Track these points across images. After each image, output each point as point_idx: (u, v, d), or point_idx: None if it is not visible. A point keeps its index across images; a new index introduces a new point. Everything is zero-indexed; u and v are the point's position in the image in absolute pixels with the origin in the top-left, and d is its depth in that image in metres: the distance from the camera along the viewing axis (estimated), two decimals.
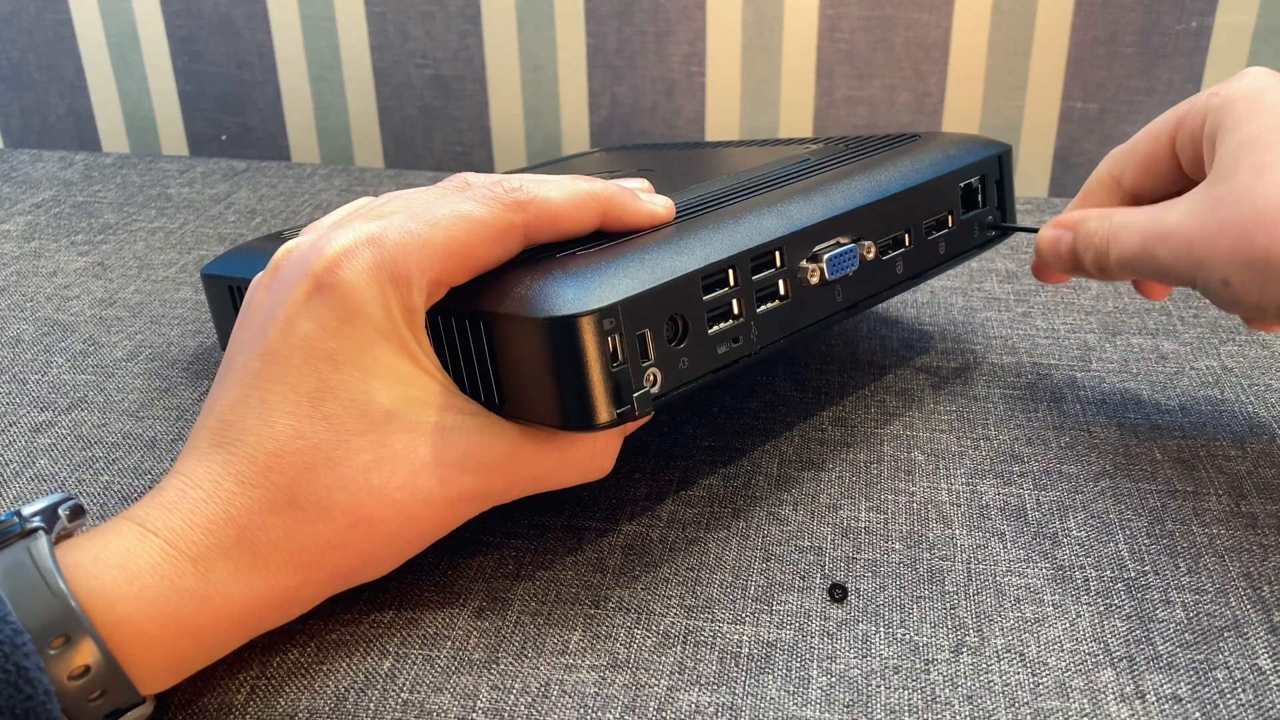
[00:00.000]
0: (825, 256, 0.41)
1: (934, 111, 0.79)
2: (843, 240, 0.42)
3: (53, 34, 0.88)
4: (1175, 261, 0.39)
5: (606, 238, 0.39)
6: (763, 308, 0.40)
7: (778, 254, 0.40)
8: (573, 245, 0.38)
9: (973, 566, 0.38)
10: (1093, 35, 0.75)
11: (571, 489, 0.42)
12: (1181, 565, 0.38)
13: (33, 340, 0.56)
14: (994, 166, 0.49)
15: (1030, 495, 0.42)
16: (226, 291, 0.50)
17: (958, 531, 0.40)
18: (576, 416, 0.35)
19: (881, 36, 0.77)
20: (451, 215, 0.35)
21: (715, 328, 0.38)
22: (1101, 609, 0.36)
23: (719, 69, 0.80)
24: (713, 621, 0.36)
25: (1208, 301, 0.56)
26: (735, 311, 0.39)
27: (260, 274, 0.37)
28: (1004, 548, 0.39)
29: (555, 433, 0.36)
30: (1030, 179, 0.80)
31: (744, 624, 0.36)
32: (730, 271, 0.38)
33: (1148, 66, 0.75)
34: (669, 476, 0.43)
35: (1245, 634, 0.35)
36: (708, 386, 0.42)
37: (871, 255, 0.43)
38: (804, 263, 0.41)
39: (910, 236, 0.46)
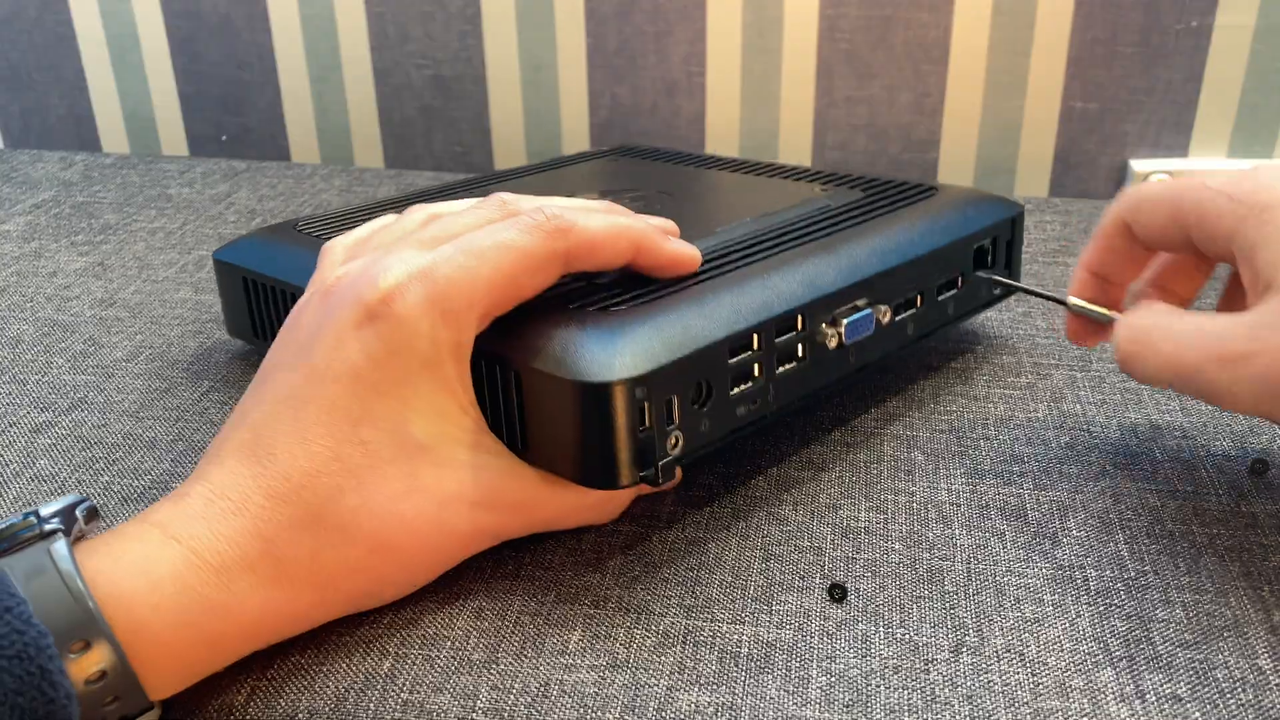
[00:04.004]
0: (844, 321, 0.42)
1: (934, 111, 0.79)
2: (860, 304, 0.43)
3: (53, 35, 0.89)
4: (1250, 393, 0.36)
5: (635, 280, 0.40)
6: (781, 369, 0.41)
7: (800, 318, 0.41)
8: (601, 290, 0.39)
9: (972, 566, 0.38)
10: (1093, 35, 0.75)
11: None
12: (1181, 565, 0.38)
13: (33, 340, 0.56)
14: (1007, 228, 0.50)
15: (1030, 495, 0.42)
16: (240, 282, 0.51)
17: (957, 531, 0.40)
18: (599, 477, 0.36)
19: (881, 36, 0.77)
20: (497, 247, 0.35)
21: (736, 390, 0.39)
22: (1101, 609, 0.36)
23: (719, 69, 0.80)
24: (712, 621, 0.36)
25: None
26: (756, 374, 0.40)
27: (309, 292, 0.38)
28: (1004, 547, 0.39)
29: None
30: (1030, 179, 0.80)
31: (744, 624, 0.36)
32: (755, 337, 0.39)
33: (1148, 66, 0.75)
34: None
35: (1245, 634, 0.35)
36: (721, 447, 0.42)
37: (887, 319, 0.44)
38: (824, 327, 0.42)
39: (923, 298, 0.46)
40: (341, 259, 0.39)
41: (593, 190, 0.55)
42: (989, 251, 0.49)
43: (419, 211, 0.40)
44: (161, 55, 0.88)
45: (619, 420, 0.35)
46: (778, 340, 0.40)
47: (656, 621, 0.36)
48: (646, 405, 0.35)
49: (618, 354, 0.35)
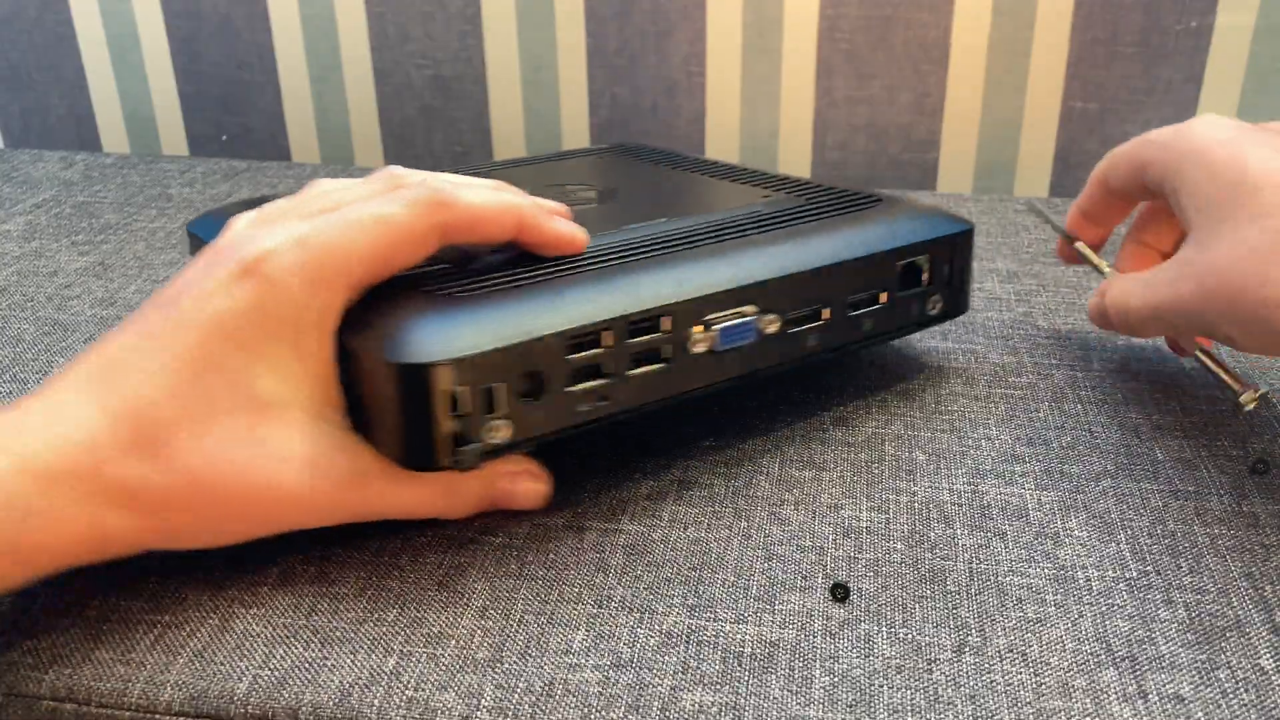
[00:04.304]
0: (718, 327, 0.40)
1: (934, 111, 0.79)
2: (746, 311, 0.41)
3: (53, 34, 0.88)
4: (1188, 325, 0.42)
5: (511, 264, 0.40)
6: (639, 370, 0.40)
7: (664, 319, 0.39)
8: (471, 273, 0.39)
9: (975, 566, 0.38)
10: (1093, 35, 0.75)
11: (571, 488, 0.42)
12: (1183, 565, 0.38)
13: (34, 340, 0.56)
14: (945, 247, 0.47)
15: (1032, 495, 0.42)
16: None
17: (959, 531, 0.40)
18: (414, 457, 0.37)
19: (881, 36, 0.77)
20: (375, 218, 0.37)
21: (578, 386, 0.38)
22: (1104, 609, 0.36)
23: (719, 69, 0.80)
24: (715, 621, 0.36)
25: None
26: (606, 371, 0.39)
27: (206, 246, 0.39)
28: (1006, 548, 0.39)
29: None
30: (1030, 179, 0.80)
31: (747, 623, 0.36)
32: (605, 334, 0.38)
33: (1148, 66, 0.75)
34: (670, 476, 0.43)
35: (1248, 634, 0.35)
36: (702, 398, 0.42)
37: (774, 329, 0.42)
38: (694, 330, 0.40)
39: (830, 311, 0.44)
40: (241, 227, 0.40)
41: (544, 183, 0.55)
42: (923, 269, 0.46)
43: (315, 187, 0.41)
44: (162, 55, 0.88)
45: (430, 402, 0.35)
46: (634, 340, 0.39)
47: (660, 621, 0.36)
48: (463, 390, 0.36)
49: (437, 337, 0.36)
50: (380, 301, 0.38)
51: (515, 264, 0.40)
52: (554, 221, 0.41)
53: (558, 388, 0.38)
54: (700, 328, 0.40)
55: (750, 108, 0.81)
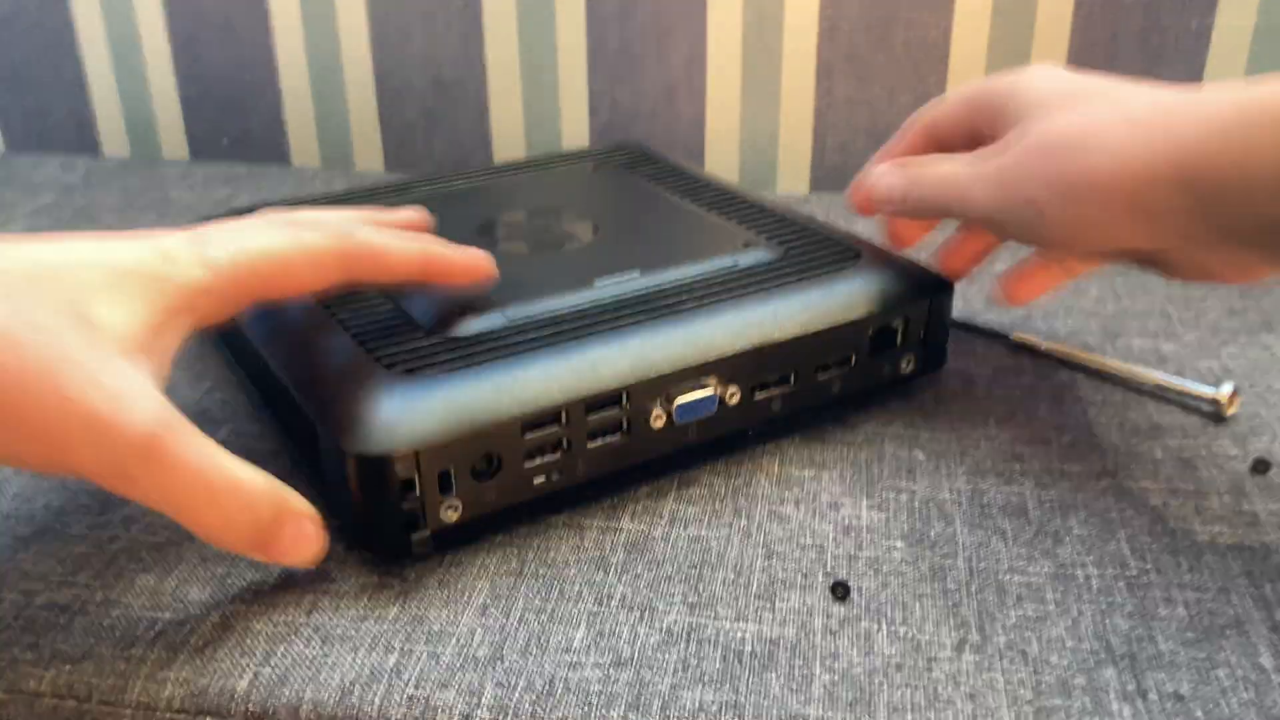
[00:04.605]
0: (677, 402, 0.40)
1: None
2: (706, 382, 0.41)
3: (54, 37, 0.89)
4: (997, 195, 0.40)
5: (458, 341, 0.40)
6: (597, 443, 0.40)
7: (624, 395, 0.39)
8: (425, 349, 0.40)
9: (975, 564, 0.38)
10: (1093, 35, 0.75)
11: (570, 490, 0.42)
12: (1183, 563, 0.38)
13: None
14: (921, 309, 0.46)
15: (1032, 494, 0.42)
16: None
17: (959, 530, 0.40)
18: (365, 539, 0.38)
19: (881, 37, 0.77)
20: (280, 231, 0.39)
21: (534, 462, 0.38)
22: (1103, 607, 0.36)
23: (719, 70, 0.80)
24: (716, 619, 0.36)
25: (1208, 303, 0.56)
26: (563, 446, 0.39)
27: None
28: (1006, 546, 0.39)
29: None
30: None
31: (747, 621, 0.36)
32: (562, 413, 0.38)
33: (1148, 66, 0.75)
34: (670, 474, 0.43)
35: (1247, 632, 0.35)
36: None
37: (736, 400, 0.42)
38: (653, 405, 0.40)
39: (795, 378, 0.43)
40: None
41: (528, 207, 0.54)
42: (897, 331, 0.45)
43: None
44: (163, 58, 0.88)
45: (382, 490, 0.36)
46: (592, 417, 0.39)
47: (660, 619, 0.36)
48: (409, 477, 0.36)
49: (393, 424, 0.36)
50: (346, 374, 0.38)
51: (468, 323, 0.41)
52: (458, 250, 0.42)
53: (513, 466, 0.38)
54: (659, 403, 0.40)
55: (750, 109, 0.81)
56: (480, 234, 0.51)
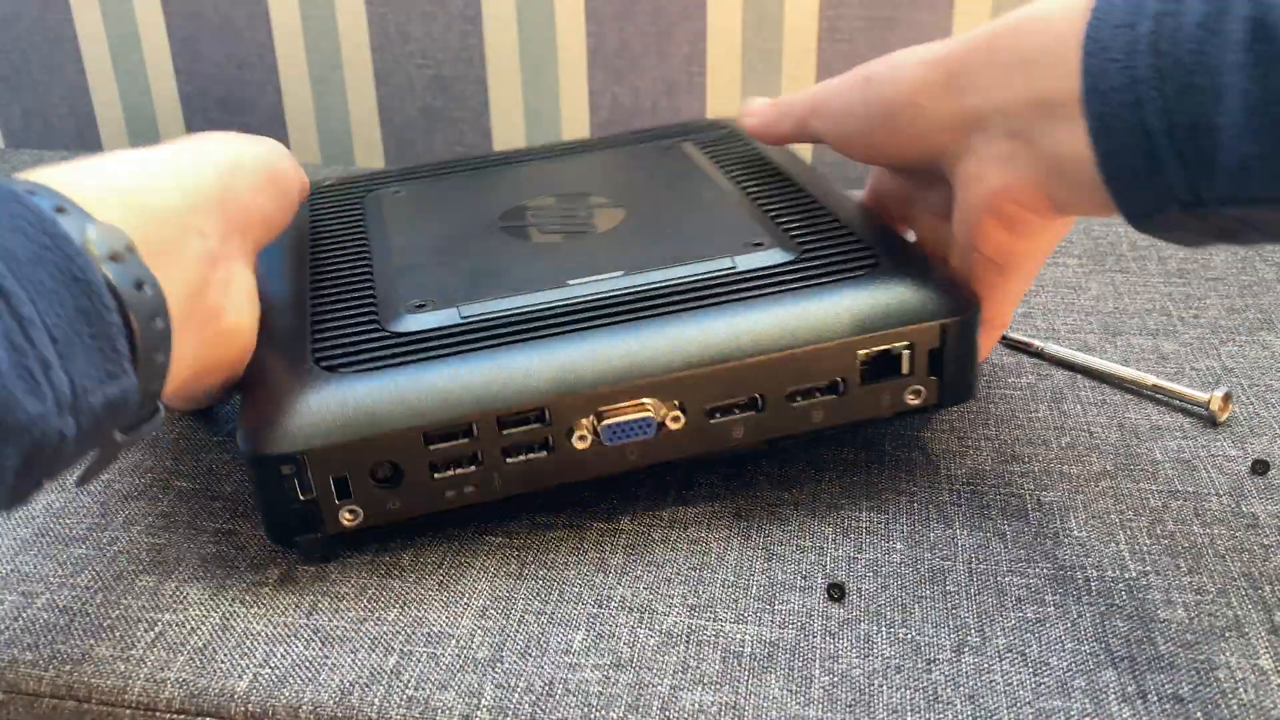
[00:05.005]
0: (606, 423, 0.37)
1: None
2: (646, 404, 0.37)
3: (54, 35, 0.89)
4: (823, 115, 0.45)
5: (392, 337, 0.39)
6: (518, 458, 0.37)
7: (545, 411, 0.37)
8: (357, 345, 0.39)
9: (974, 566, 0.38)
10: None
11: (572, 489, 0.42)
12: (1182, 565, 0.38)
13: None
14: (930, 333, 0.39)
15: (1031, 495, 0.42)
16: None
17: (959, 531, 0.40)
18: (268, 531, 0.38)
19: (881, 36, 0.77)
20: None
21: (444, 474, 0.37)
22: (1103, 609, 0.36)
23: (719, 69, 0.80)
24: (715, 621, 0.36)
25: (1208, 302, 0.56)
26: (477, 459, 0.37)
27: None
28: (1005, 548, 0.39)
29: None
30: None
31: (746, 623, 0.36)
32: (473, 425, 0.37)
33: None
34: (670, 476, 0.43)
35: (1246, 634, 0.35)
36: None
37: (680, 424, 0.38)
38: (578, 425, 0.37)
39: (762, 404, 0.39)
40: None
41: (569, 189, 0.51)
42: (900, 357, 0.39)
43: None
44: (163, 55, 0.88)
45: (273, 488, 0.36)
46: (508, 432, 0.37)
47: (660, 621, 0.36)
48: (306, 477, 0.36)
49: (293, 425, 0.36)
50: (276, 370, 0.38)
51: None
52: None
53: (418, 477, 0.37)
54: (586, 422, 0.37)
55: None
56: (505, 219, 0.48)
